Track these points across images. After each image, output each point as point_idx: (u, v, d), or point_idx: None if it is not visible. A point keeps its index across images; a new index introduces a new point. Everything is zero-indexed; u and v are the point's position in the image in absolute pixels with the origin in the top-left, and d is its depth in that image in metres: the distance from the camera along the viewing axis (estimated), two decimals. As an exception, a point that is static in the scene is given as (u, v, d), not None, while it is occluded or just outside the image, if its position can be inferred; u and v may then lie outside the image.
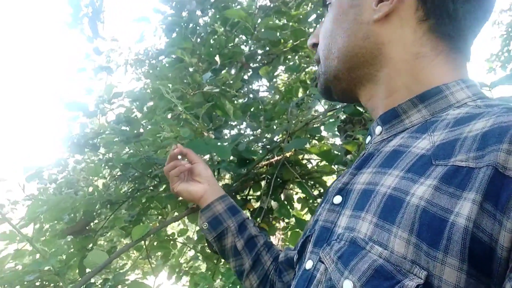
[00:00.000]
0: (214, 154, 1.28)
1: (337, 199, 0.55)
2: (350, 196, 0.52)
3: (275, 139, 1.38)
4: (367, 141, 0.62)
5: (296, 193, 1.60)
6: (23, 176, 1.42)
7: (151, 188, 1.57)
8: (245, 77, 2.26)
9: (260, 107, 1.87)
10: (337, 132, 1.43)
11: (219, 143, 1.09)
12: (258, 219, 1.33)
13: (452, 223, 0.36)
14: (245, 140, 1.40)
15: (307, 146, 1.33)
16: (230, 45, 2.12)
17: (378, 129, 0.57)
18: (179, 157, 0.99)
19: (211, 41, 2.22)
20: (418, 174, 0.43)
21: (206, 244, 1.69)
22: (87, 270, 1.38)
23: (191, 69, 1.83)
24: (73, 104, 1.37)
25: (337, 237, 0.49)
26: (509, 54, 5.86)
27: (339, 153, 1.25)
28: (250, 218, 0.98)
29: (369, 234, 0.43)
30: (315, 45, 0.66)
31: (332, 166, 1.42)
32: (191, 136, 1.13)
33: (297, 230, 1.40)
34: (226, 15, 1.61)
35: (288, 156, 1.35)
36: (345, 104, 1.23)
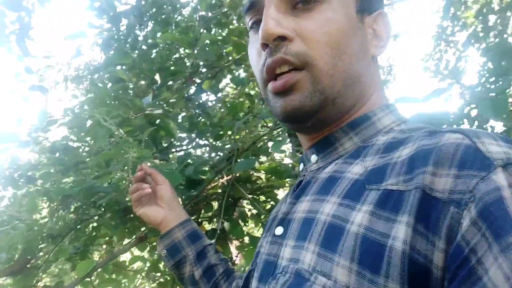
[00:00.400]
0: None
1: (279, 230, 0.54)
2: (291, 225, 0.51)
3: (222, 158, 1.36)
4: (300, 169, 0.61)
5: (249, 210, 1.59)
6: None
7: (96, 217, 1.48)
8: (191, 91, 2.22)
9: (207, 122, 1.84)
10: (285, 149, 1.44)
11: (167, 168, 1.05)
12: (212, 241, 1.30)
13: (390, 248, 0.37)
14: (193, 161, 1.36)
15: (256, 164, 1.33)
16: (172, 58, 2.07)
17: (313, 157, 0.57)
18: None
19: (152, 55, 2.16)
20: (354, 200, 0.44)
21: (159, 272, 1.64)
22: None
23: (131, 89, 1.77)
24: (2, 135, 1.27)
25: (282, 270, 0.48)
26: (440, 53, 6.29)
27: (287, 169, 1.26)
28: (211, 243, 0.95)
29: (312, 264, 0.43)
30: (280, 38, 0.50)
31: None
32: (152, 156, 1.08)
33: (252, 247, 1.39)
34: (162, 40, 1.57)
35: (237, 175, 1.34)
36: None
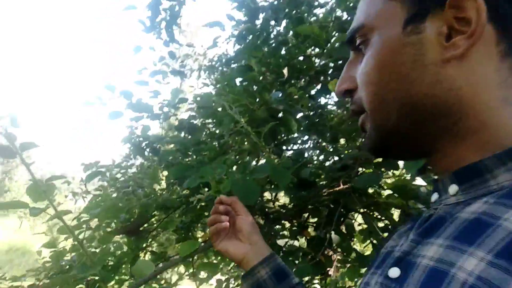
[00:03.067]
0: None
1: (394, 272, 0.43)
2: (412, 272, 0.40)
3: (341, 165, 1.27)
4: (433, 200, 0.49)
5: (359, 224, 1.47)
6: (83, 173, 1.44)
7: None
8: (313, 91, 2.17)
9: (326, 124, 1.77)
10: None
11: (282, 166, 1.01)
12: (318, 249, 1.22)
13: None
14: (306, 160, 1.30)
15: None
16: (300, 56, 2.04)
17: (453, 188, 0.45)
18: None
19: (282, 52, 2.16)
20: None
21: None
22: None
23: (258, 81, 1.78)
24: (138, 105, 1.37)
25: None
26: None
27: (415, 189, 1.11)
28: (300, 282, 0.85)
29: None
30: (347, 92, 0.53)
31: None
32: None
33: (356, 265, 1.28)
34: (297, 31, 1.53)
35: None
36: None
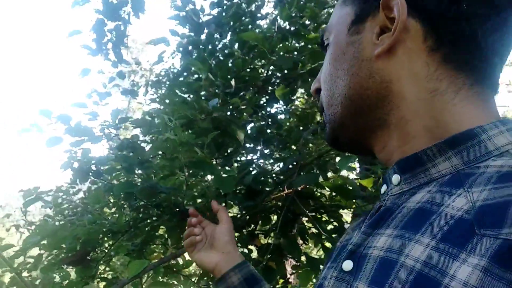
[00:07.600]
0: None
1: (347, 264, 0.44)
2: (364, 263, 0.41)
3: (285, 170, 1.28)
4: (382, 191, 0.50)
5: (309, 228, 1.48)
6: (23, 201, 1.36)
7: (155, 217, 1.48)
8: (262, 100, 2.19)
9: (274, 132, 1.78)
10: (354, 164, 1.31)
11: (224, 174, 1.00)
12: (266, 256, 1.22)
13: None
14: (255, 170, 1.30)
15: (320, 179, 1.22)
16: (247, 68, 2.06)
17: (395, 178, 0.46)
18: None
19: (229, 64, 2.17)
20: (456, 246, 0.32)
21: (211, 281, 1.59)
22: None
23: (203, 94, 1.78)
24: (77, 129, 1.32)
25: None
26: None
27: (354, 188, 1.14)
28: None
29: None
30: (318, 91, 0.58)
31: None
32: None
33: (309, 269, 1.28)
34: (242, 38, 1.54)
35: (299, 189, 1.24)
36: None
